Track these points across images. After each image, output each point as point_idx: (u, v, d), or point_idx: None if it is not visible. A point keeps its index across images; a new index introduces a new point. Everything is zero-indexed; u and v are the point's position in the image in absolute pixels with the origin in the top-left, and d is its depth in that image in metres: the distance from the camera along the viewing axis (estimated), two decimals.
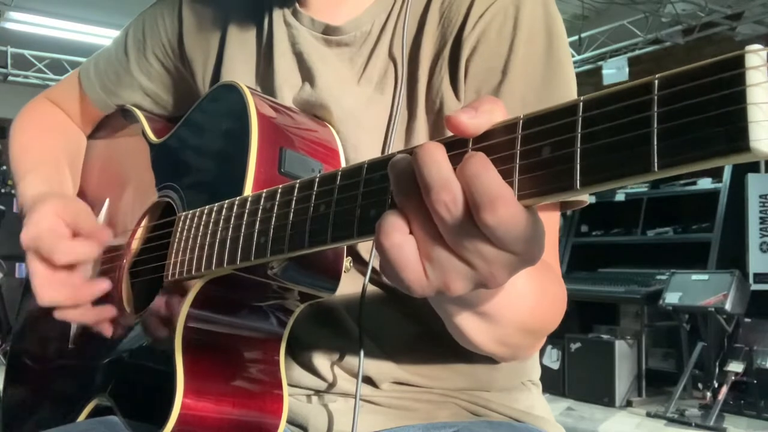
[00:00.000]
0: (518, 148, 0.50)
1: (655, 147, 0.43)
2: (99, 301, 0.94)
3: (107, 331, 0.95)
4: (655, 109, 0.43)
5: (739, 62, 0.40)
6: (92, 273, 0.98)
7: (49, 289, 0.91)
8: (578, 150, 0.46)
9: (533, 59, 0.87)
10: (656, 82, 0.44)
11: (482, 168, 0.49)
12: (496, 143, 0.51)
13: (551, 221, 0.88)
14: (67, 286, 0.91)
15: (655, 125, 0.43)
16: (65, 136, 1.21)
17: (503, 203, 0.48)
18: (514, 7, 0.87)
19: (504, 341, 0.74)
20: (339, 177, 0.63)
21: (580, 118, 0.47)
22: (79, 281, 0.92)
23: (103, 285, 0.92)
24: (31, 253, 0.92)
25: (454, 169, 0.51)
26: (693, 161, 0.42)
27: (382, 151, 0.89)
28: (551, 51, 0.88)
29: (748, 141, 0.39)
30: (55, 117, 1.22)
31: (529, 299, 0.71)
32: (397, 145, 0.89)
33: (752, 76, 0.40)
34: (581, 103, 0.47)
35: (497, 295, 0.65)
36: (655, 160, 0.43)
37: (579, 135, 0.47)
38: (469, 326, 0.69)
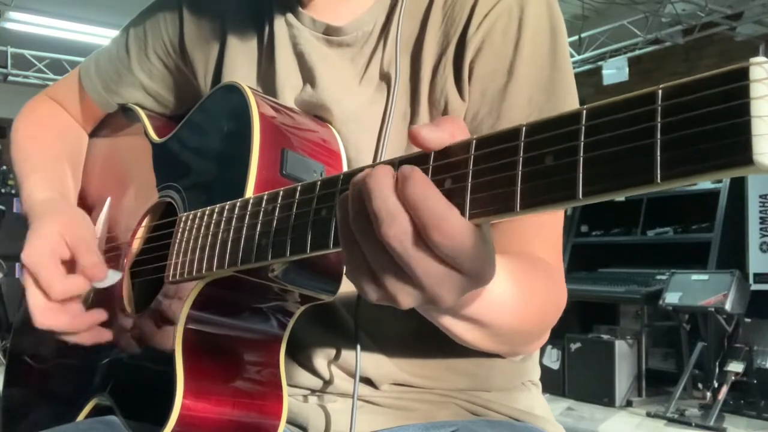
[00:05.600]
0: (521, 155, 0.50)
1: (658, 158, 0.43)
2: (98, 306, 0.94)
3: (105, 337, 0.95)
4: (659, 119, 0.43)
5: (743, 74, 0.40)
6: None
7: (46, 316, 0.91)
8: (581, 159, 0.46)
9: (539, 59, 0.87)
10: (660, 92, 0.44)
11: (425, 189, 0.52)
12: (498, 150, 0.51)
13: (554, 220, 0.88)
14: (64, 313, 0.92)
15: (659, 136, 0.43)
16: (67, 135, 1.21)
17: (447, 222, 0.51)
18: (519, 6, 0.87)
19: (496, 340, 0.75)
20: (341, 181, 0.63)
21: (583, 127, 0.47)
22: (76, 309, 0.93)
23: (100, 315, 0.93)
24: (29, 276, 0.92)
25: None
26: (696, 173, 0.42)
27: (379, 151, 0.89)
28: (556, 49, 0.88)
29: (752, 154, 0.39)
30: (57, 115, 1.22)
31: (512, 305, 0.71)
32: (397, 145, 0.89)
33: (756, 89, 0.40)
34: (584, 112, 0.47)
35: (474, 302, 0.66)
36: (658, 172, 0.43)
37: (582, 144, 0.47)
38: (456, 329, 0.71)
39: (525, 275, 0.75)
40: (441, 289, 0.55)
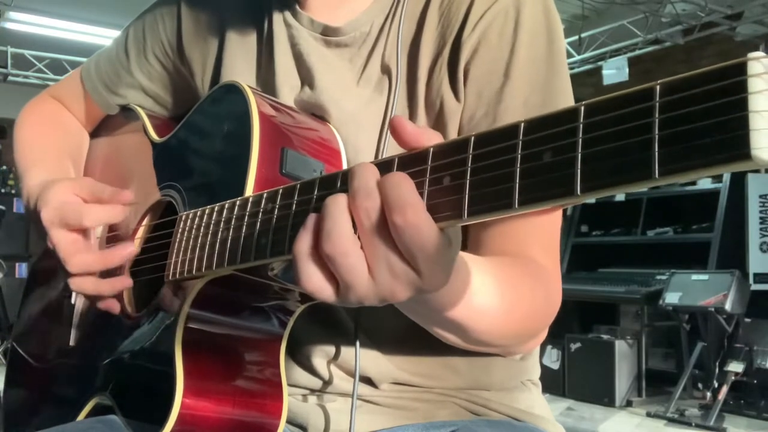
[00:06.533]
0: (519, 152, 0.50)
1: (656, 154, 0.43)
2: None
3: (115, 308, 0.94)
4: (657, 115, 0.43)
5: (741, 69, 0.40)
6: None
7: (78, 254, 0.90)
8: (579, 155, 0.46)
9: (535, 61, 0.86)
10: (658, 88, 0.44)
11: (401, 179, 0.54)
12: (495, 149, 0.51)
13: (552, 221, 0.88)
14: (94, 251, 0.92)
15: (656, 132, 0.43)
16: (68, 133, 1.21)
17: (413, 209, 0.53)
18: (515, 8, 0.87)
19: (484, 345, 0.77)
20: (339, 180, 0.63)
21: (581, 124, 0.47)
22: (101, 247, 0.93)
23: (130, 249, 0.92)
24: (55, 225, 0.92)
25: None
26: (694, 168, 0.42)
27: (379, 151, 0.89)
28: (552, 51, 0.88)
29: (749, 149, 0.39)
30: (58, 114, 1.23)
31: (494, 312, 0.72)
32: (397, 145, 0.89)
33: (754, 84, 0.40)
34: (582, 108, 0.47)
35: (457, 306, 0.67)
36: (656, 167, 0.43)
37: (580, 140, 0.47)
38: (441, 335, 0.73)
39: (512, 282, 0.76)
40: (394, 284, 0.56)
